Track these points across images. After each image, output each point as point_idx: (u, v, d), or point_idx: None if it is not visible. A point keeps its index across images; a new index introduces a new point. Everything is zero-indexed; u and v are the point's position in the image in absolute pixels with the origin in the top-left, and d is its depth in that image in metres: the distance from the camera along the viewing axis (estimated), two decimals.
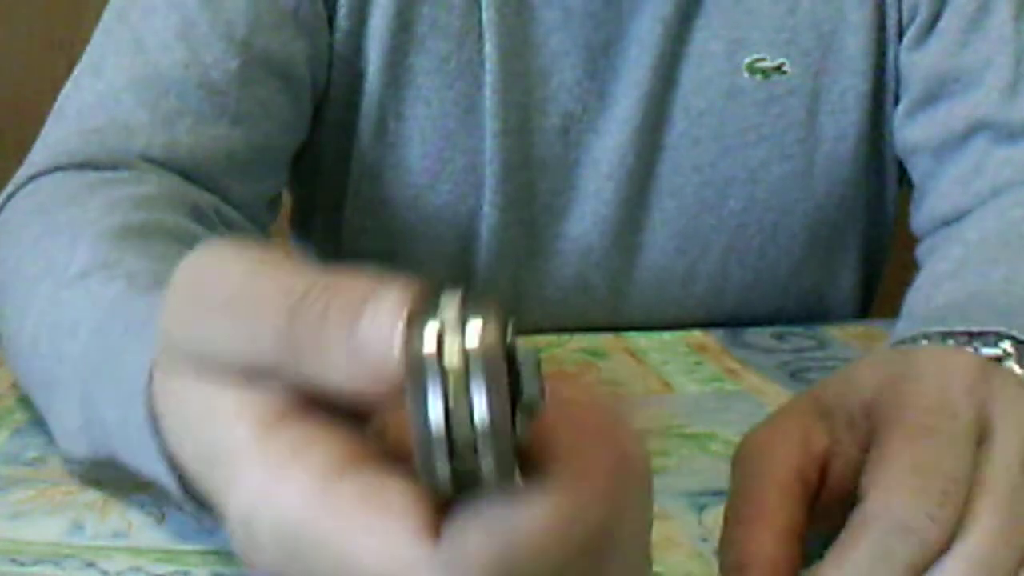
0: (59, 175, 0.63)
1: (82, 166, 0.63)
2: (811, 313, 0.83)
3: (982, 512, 0.38)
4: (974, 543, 0.37)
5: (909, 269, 0.74)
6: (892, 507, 0.37)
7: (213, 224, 0.63)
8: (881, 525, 0.37)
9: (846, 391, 0.43)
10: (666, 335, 0.75)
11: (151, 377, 0.40)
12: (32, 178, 0.64)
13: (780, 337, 0.76)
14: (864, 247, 0.84)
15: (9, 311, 0.55)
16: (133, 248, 0.51)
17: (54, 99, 0.69)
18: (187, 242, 0.55)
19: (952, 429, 0.39)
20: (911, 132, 0.77)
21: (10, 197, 0.63)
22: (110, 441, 0.45)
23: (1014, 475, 0.39)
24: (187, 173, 0.66)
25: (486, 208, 0.76)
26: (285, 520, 0.29)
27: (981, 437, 0.40)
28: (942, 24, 0.75)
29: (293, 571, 0.29)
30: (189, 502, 0.41)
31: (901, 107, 0.77)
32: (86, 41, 0.70)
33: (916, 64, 0.76)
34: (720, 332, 0.76)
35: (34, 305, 0.51)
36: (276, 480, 0.29)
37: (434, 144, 0.74)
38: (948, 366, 0.42)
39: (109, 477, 0.52)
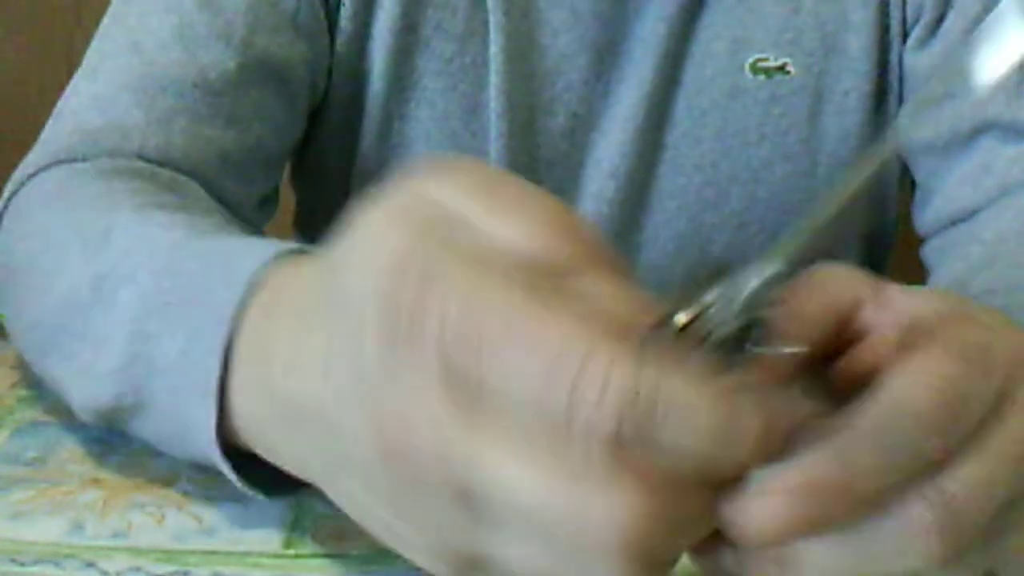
0: (59, 168, 0.63)
1: (83, 160, 0.63)
2: None
3: (989, 446, 0.35)
4: (968, 471, 0.35)
5: (909, 269, 0.74)
6: (905, 408, 0.34)
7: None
8: (889, 424, 0.34)
9: (915, 297, 0.39)
10: None
11: (242, 308, 0.41)
12: (32, 175, 0.63)
13: None
14: (865, 248, 0.83)
15: (35, 279, 0.54)
16: (177, 214, 0.51)
17: (54, 100, 0.69)
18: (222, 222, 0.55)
19: (984, 372, 0.36)
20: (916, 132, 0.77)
21: (13, 195, 0.63)
22: (153, 378, 0.45)
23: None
24: (182, 173, 0.65)
25: None
26: None
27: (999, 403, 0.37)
28: (946, 24, 0.75)
29: None
30: (217, 448, 0.43)
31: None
32: (86, 42, 0.70)
33: (920, 65, 0.76)
34: None
35: (68, 265, 0.51)
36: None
37: (438, 145, 0.74)
38: (1008, 332, 0.39)
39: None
